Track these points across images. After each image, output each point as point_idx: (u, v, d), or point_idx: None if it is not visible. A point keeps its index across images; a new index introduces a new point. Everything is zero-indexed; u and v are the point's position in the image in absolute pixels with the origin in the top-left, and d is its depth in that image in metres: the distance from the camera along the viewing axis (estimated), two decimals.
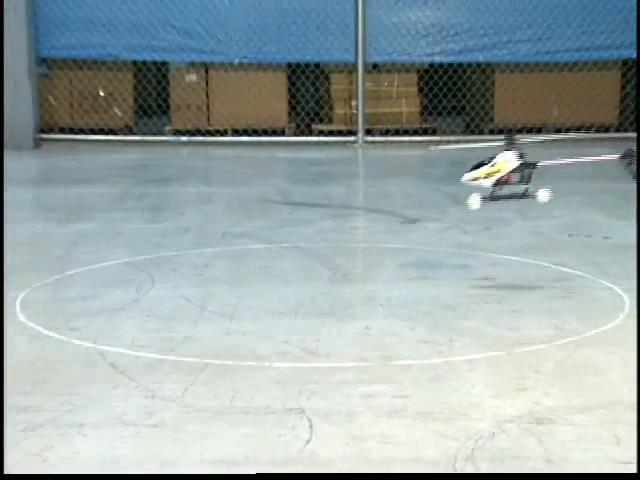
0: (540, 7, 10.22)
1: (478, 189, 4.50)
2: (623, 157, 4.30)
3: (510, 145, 4.38)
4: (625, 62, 10.62)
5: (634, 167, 4.24)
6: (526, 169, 4.37)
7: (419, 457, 2.85)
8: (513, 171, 4.37)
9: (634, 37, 10.25)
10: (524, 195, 4.45)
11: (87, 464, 2.83)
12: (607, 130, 10.60)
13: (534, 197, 4.46)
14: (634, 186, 7.95)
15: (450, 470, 2.76)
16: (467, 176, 4.46)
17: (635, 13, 10.14)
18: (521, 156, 4.38)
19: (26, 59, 9.90)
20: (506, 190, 4.45)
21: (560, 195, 7.31)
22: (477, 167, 4.43)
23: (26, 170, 9.09)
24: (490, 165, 4.37)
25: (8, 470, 2.79)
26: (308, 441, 2.96)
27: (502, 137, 4.45)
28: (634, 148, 4.27)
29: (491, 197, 4.46)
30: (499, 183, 4.40)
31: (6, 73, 9.82)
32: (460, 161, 9.22)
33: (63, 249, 5.55)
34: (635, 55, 10.36)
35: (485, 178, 4.39)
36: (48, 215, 6.73)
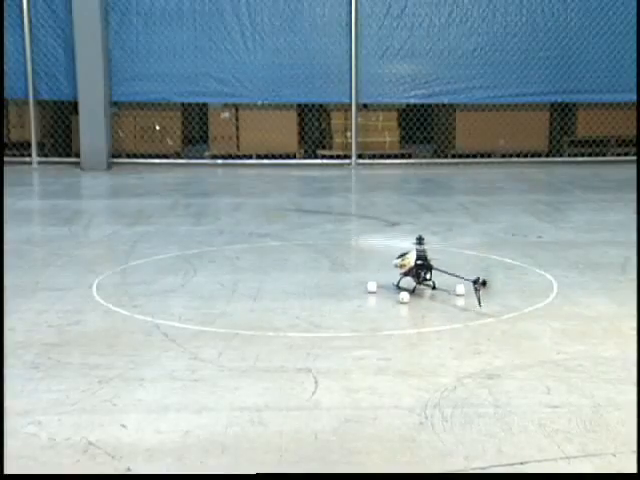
0: (489, 63, 10.19)
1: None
2: (474, 282, 4.01)
3: (418, 245, 4.19)
4: (552, 104, 10.61)
5: (479, 294, 3.96)
6: (422, 269, 4.16)
7: (398, 405, 2.84)
8: (414, 268, 4.16)
9: (559, 86, 10.24)
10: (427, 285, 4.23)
11: (146, 408, 2.82)
12: (539, 155, 10.58)
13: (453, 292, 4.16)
14: (560, 197, 7.95)
15: (421, 414, 2.75)
16: (394, 262, 4.25)
17: (555, 69, 10.16)
18: (420, 258, 4.17)
19: (102, 102, 9.88)
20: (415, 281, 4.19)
21: (505, 204, 7.32)
22: (400, 256, 4.22)
23: (101, 186, 9.08)
24: (402, 259, 4.20)
25: (98, 405, 2.78)
26: (313, 392, 2.95)
27: (415, 239, 4.22)
28: (484, 278, 4.00)
29: (395, 284, 4.24)
30: (405, 274, 4.20)
31: (88, 113, 9.82)
32: (429, 179, 9.25)
33: (128, 245, 5.53)
34: (559, 100, 10.39)
35: (399, 268, 4.21)
36: (117, 220, 6.71)
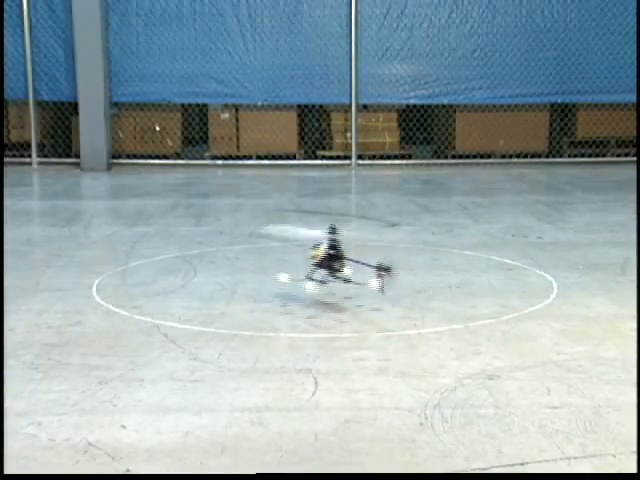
0: (489, 64, 10.20)
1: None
2: (377, 268, 3.87)
3: (331, 234, 3.97)
4: (552, 105, 10.62)
5: (382, 281, 3.84)
6: (334, 260, 3.96)
7: (399, 406, 2.84)
8: (325, 259, 3.95)
9: (559, 87, 10.25)
10: (345, 280, 4.00)
11: (146, 409, 2.82)
12: (539, 156, 10.57)
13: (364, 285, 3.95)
14: (560, 198, 7.95)
15: (421, 414, 2.75)
16: (310, 252, 4.05)
17: (555, 69, 10.17)
18: (332, 247, 3.96)
19: (102, 103, 9.88)
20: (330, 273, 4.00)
21: (505, 205, 7.32)
22: (314, 247, 4.03)
23: (101, 187, 9.08)
24: (314, 249, 4.01)
25: (99, 407, 2.77)
26: (313, 393, 2.95)
27: (327, 228, 3.98)
28: (387, 265, 3.92)
29: (307, 276, 4.04)
30: (318, 266, 4.00)
31: (88, 114, 9.83)
32: (429, 179, 9.25)
33: (128, 246, 5.53)
34: (559, 101, 10.39)
35: (312, 258, 4.03)
36: (117, 221, 6.71)
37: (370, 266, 3.96)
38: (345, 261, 4.04)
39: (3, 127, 9.99)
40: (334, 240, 4.02)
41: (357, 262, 4.10)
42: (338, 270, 4.02)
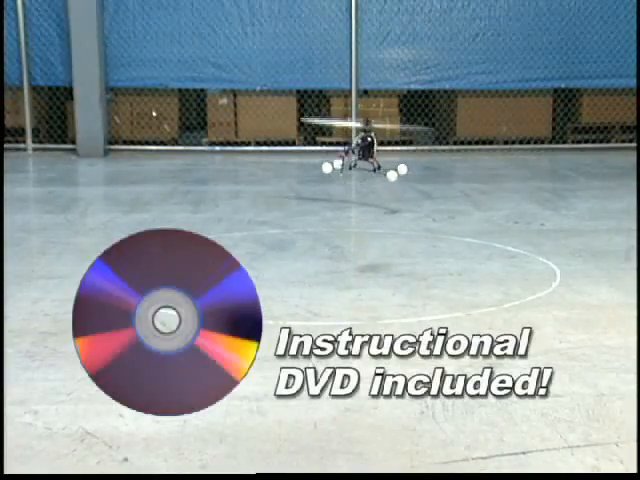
0: (492, 48, 10.18)
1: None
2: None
3: (365, 125, 4.65)
4: (555, 90, 10.59)
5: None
6: (362, 148, 4.71)
7: (399, 394, 2.83)
8: (358, 145, 4.70)
9: (563, 71, 10.22)
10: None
11: None
12: (542, 142, 10.56)
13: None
14: (563, 184, 7.94)
15: (422, 403, 2.75)
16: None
17: (558, 54, 10.14)
18: (363, 138, 4.66)
19: (98, 88, 9.87)
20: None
21: (507, 192, 7.31)
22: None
23: (97, 173, 9.07)
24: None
25: (94, 397, 2.78)
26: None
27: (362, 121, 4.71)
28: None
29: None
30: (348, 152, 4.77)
31: (83, 99, 9.81)
32: (430, 166, 9.23)
33: (125, 233, 5.46)
34: (563, 86, 10.36)
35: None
36: (114, 207, 6.70)
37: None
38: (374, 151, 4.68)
39: (4, 125, 9.89)
40: (366, 131, 4.57)
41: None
42: (362, 156, 4.69)
